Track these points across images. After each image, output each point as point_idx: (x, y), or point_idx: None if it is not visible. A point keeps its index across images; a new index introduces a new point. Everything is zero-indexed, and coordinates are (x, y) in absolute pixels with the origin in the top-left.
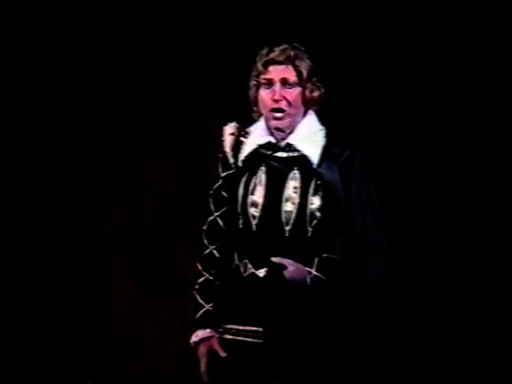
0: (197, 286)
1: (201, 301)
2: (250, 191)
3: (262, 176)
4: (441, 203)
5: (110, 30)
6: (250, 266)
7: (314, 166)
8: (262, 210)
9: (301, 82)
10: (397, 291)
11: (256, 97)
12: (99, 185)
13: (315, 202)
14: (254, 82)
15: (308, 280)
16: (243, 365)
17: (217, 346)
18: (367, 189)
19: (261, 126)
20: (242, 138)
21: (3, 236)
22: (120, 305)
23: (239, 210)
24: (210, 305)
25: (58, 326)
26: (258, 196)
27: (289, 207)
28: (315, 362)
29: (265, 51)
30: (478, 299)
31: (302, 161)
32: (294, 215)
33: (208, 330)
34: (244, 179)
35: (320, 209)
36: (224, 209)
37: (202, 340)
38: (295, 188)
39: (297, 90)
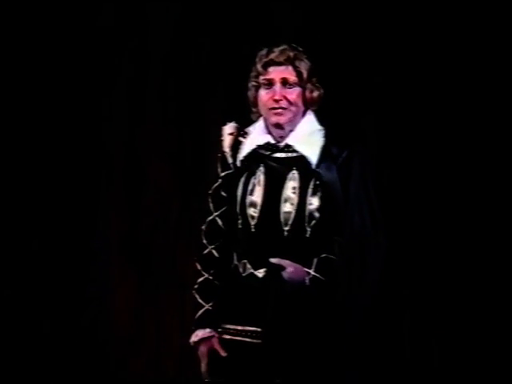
0: (196, 286)
1: (200, 300)
2: (248, 191)
3: (260, 176)
4: (439, 203)
5: (110, 30)
6: (248, 266)
7: (313, 166)
8: (261, 211)
9: (301, 82)
10: (396, 291)
11: (256, 97)
12: (99, 185)
13: (314, 202)
14: (254, 83)
15: (307, 280)
16: (243, 365)
17: (217, 346)
18: (366, 189)
19: (259, 126)
20: (240, 138)
21: (3, 236)
22: (120, 305)
23: (238, 210)
24: (210, 304)
25: (57, 326)
26: (257, 196)
27: (287, 207)
28: (314, 362)
29: (264, 52)
30: (477, 299)
31: (300, 161)
32: (292, 215)
33: (208, 330)
34: (243, 179)
35: (319, 209)
36: (223, 209)
37: (202, 340)
38: (294, 188)
39: (297, 90)
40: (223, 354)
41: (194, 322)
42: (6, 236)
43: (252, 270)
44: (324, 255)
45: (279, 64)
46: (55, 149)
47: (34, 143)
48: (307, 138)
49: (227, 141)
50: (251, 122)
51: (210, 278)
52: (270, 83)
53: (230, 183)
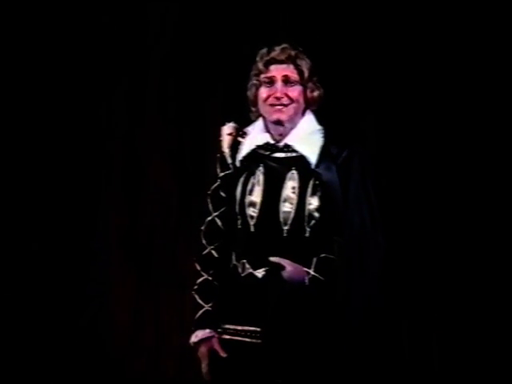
0: (196, 287)
1: (200, 301)
2: (248, 191)
3: (259, 176)
4: (439, 203)
5: (110, 30)
6: (248, 266)
7: (312, 166)
8: (260, 210)
9: (302, 80)
10: (395, 291)
11: (256, 96)
12: (99, 185)
13: (313, 202)
14: (254, 82)
15: (306, 280)
16: (244, 365)
17: (217, 346)
18: (365, 189)
19: (258, 125)
20: (239, 138)
21: (3, 236)
22: (120, 305)
23: (237, 210)
24: (209, 305)
25: (57, 326)
26: (256, 196)
27: (287, 207)
28: (314, 362)
29: (265, 50)
30: (476, 299)
31: (300, 161)
32: (292, 215)
33: (207, 330)
34: (242, 179)
35: (318, 209)
36: (222, 209)
37: (202, 340)
38: (293, 188)
39: (298, 88)
40: (223, 354)
41: (193, 322)
42: (6, 236)
43: (251, 270)
44: (323, 255)
45: (281, 62)
46: (55, 149)
47: (34, 143)
48: (307, 137)
49: (226, 141)
50: (250, 121)
51: (210, 278)
52: (271, 81)
53: (229, 183)
